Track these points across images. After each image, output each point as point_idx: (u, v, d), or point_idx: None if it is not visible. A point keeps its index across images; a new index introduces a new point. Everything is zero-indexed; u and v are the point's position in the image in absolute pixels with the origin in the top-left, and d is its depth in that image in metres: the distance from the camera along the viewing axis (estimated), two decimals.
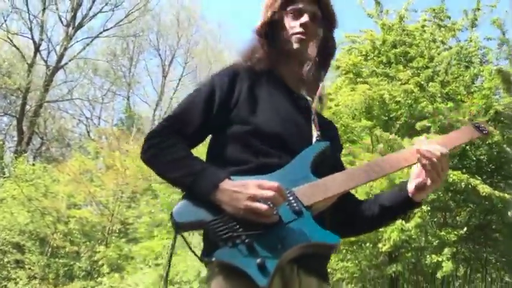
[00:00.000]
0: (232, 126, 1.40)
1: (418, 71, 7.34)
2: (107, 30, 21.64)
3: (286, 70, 1.55)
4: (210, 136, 1.50)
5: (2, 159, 17.14)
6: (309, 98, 1.53)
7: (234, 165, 1.36)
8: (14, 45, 19.18)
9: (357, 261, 7.13)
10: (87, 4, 20.78)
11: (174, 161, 1.33)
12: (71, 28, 20.17)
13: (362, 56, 8.06)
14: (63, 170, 13.80)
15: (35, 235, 12.65)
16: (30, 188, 12.78)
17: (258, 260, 1.13)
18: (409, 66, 7.56)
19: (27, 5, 19.43)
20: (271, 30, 1.53)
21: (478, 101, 6.83)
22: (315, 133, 1.46)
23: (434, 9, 8.01)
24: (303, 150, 1.39)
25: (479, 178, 6.21)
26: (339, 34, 7.34)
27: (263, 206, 1.19)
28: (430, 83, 7.00)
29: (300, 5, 1.54)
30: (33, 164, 15.80)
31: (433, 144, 1.41)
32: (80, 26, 20.51)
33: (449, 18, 8.03)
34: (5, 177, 14.42)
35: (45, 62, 20.02)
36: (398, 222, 5.74)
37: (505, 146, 6.31)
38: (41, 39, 19.84)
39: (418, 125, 6.57)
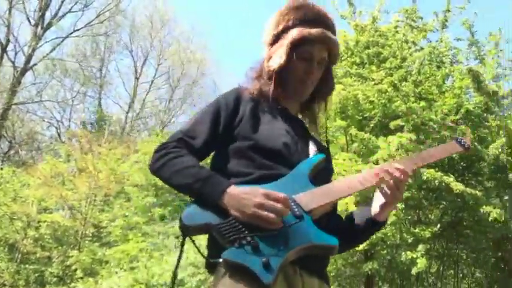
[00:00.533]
0: (235, 142, 1.51)
1: (391, 71, 7.45)
2: (77, 30, 21.28)
3: (286, 103, 1.65)
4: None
5: None
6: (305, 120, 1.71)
7: (236, 177, 1.44)
8: None
9: (332, 260, 7.18)
10: (55, 4, 20.37)
11: (182, 169, 1.40)
12: (39, 28, 19.67)
13: None
14: (33, 174, 13.47)
15: (4, 241, 12.35)
16: None
17: (263, 259, 1.22)
18: (382, 66, 7.67)
19: None
20: (282, 74, 1.59)
21: (450, 100, 7.00)
22: (312, 148, 1.59)
23: (406, 10, 8.13)
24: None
25: (452, 176, 6.36)
26: None
27: (270, 215, 1.27)
28: (403, 83, 7.12)
29: (312, 51, 1.59)
30: (1, 168, 15.41)
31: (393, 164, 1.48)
32: (49, 26, 20.03)
33: (422, 19, 8.17)
34: None
35: (13, 63, 19.46)
36: None
37: (476, 144, 6.46)
38: (8, 40, 19.30)
39: (392, 124, 6.68)
